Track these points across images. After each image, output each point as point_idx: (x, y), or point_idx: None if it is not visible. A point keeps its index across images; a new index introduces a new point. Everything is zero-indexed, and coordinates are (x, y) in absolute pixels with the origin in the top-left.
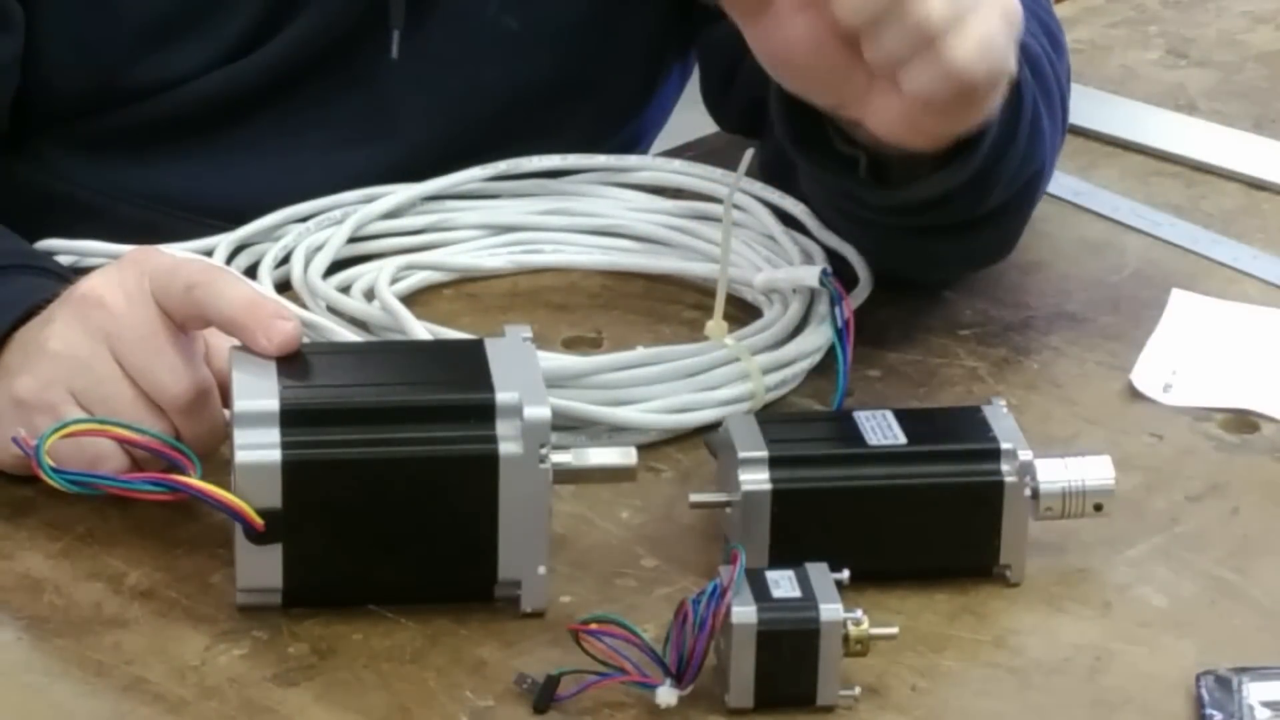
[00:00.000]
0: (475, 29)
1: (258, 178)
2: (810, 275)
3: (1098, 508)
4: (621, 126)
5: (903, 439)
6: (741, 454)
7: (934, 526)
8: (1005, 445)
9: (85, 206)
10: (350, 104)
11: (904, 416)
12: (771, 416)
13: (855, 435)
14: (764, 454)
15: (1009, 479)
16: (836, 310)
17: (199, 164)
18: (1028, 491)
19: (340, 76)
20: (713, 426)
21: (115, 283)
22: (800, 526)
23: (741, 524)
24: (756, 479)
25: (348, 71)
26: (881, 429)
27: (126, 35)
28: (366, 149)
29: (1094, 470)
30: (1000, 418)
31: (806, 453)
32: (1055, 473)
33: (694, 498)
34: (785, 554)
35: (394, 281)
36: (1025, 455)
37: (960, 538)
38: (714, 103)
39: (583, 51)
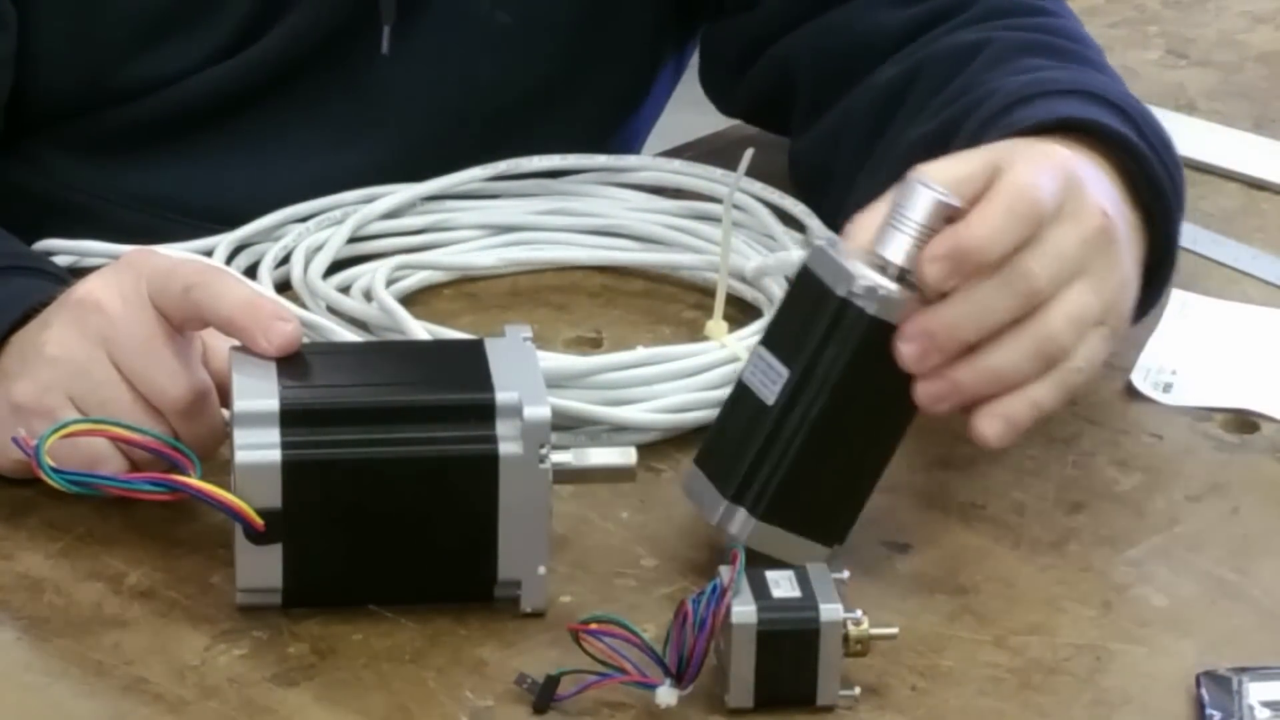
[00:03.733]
0: (468, 23)
1: (251, 176)
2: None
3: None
4: (617, 122)
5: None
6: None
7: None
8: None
9: (81, 208)
10: (343, 100)
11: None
12: None
13: None
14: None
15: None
16: None
17: (193, 164)
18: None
19: (332, 73)
20: None
21: (112, 286)
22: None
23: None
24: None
25: (340, 68)
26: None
27: (119, 34)
28: (360, 145)
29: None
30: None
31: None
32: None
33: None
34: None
35: (391, 282)
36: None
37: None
38: (720, 88)
39: (577, 46)
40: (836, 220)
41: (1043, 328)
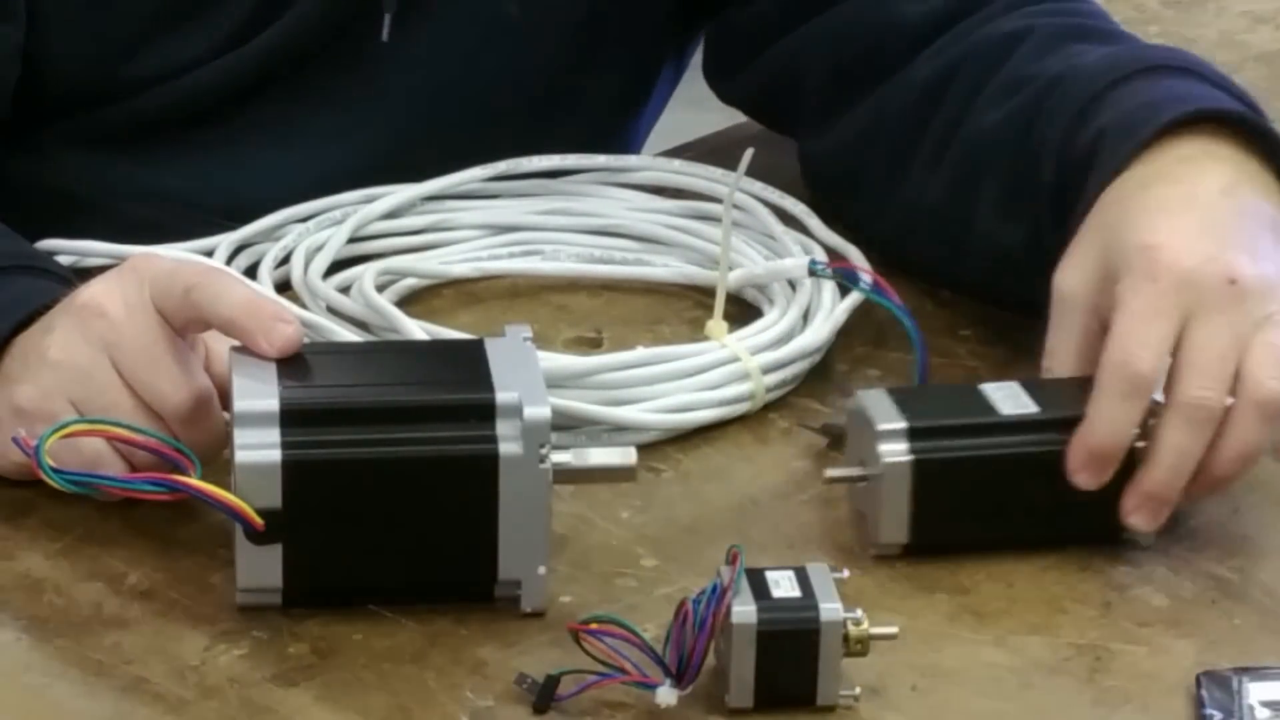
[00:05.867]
0: (473, 15)
1: (257, 167)
2: (795, 268)
3: None
4: (618, 122)
5: (1035, 407)
6: (880, 426)
7: (1072, 492)
8: None
9: (87, 202)
10: (348, 91)
11: (1031, 386)
12: (900, 391)
13: (987, 406)
14: (903, 425)
15: (1139, 444)
16: (870, 290)
17: (198, 157)
18: None
19: (337, 63)
20: (713, 426)
21: (116, 291)
22: (940, 497)
23: (880, 497)
24: (897, 450)
25: (345, 58)
26: (1012, 399)
27: (126, 26)
28: (365, 135)
29: None
30: None
31: (944, 423)
32: None
33: (830, 473)
34: (924, 525)
35: (381, 287)
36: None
37: (1097, 503)
38: (723, 75)
39: (581, 43)
40: (867, 224)
41: (1257, 394)
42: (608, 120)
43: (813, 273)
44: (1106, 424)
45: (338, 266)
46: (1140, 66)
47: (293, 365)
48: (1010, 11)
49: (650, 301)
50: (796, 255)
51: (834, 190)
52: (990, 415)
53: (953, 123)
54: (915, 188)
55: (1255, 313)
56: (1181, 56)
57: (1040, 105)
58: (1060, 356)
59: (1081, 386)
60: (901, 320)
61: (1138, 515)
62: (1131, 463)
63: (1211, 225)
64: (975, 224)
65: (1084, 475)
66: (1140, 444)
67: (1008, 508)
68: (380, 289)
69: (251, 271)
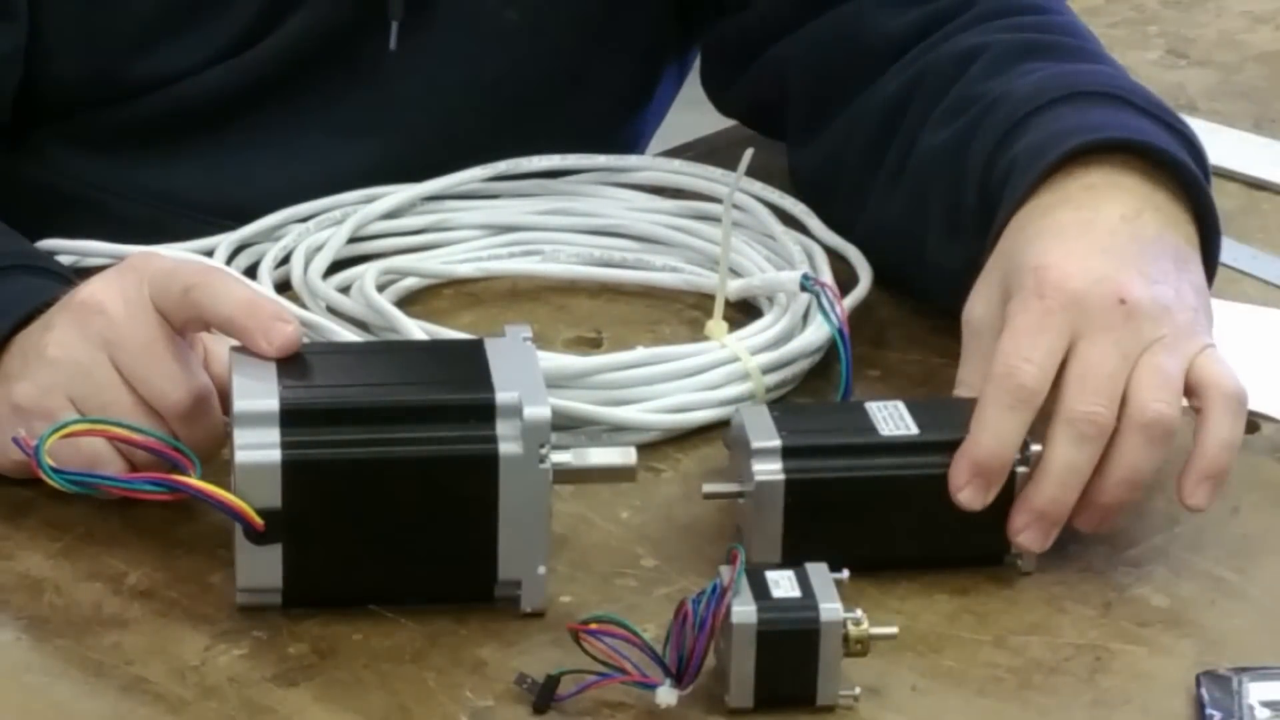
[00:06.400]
0: (476, 21)
1: (260, 173)
2: (789, 281)
3: None
4: (621, 122)
5: (914, 429)
6: (755, 444)
7: (946, 515)
8: None
9: (89, 204)
10: (351, 97)
11: (915, 407)
12: (783, 407)
13: (867, 425)
14: (777, 444)
15: (1019, 469)
16: (831, 313)
17: (201, 160)
18: None
19: (341, 69)
20: (713, 426)
21: (115, 289)
22: (813, 516)
23: (754, 514)
24: (770, 469)
25: (348, 64)
26: (893, 419)
27: (128, 29)
28: (367, 142)
29: None
30: None
31: (819, 443)
32: None
33: (707, 488)
34: (797, 544)
35: (382, 287)
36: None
37: (973, 526)
38: (718, 87)
39: (583, 44)
40: (845, 231)
41: (1142, 417)
42: (610, 122)
43: (803, 288)
44: (990, 436)
45: (338, 266)
46: (1066, 92)
47: (292, 365)
48: (978, 24)
49: (650, 302)
50: (796, 256)
51: (811, 199)
52: (867, 435)
53: (909, 142)
54: (877, 205)
55: (1145, 334)
56: (1116, 82)
57: (974, 129)
58: (971, 386)
59: (965, 409)
60: (839, 347)
61: (1026, 534)
62: (1012, 490)
63: (1105, 248)
64: (926, 244)
65: (967, 492)
66: (1021, 469)
67: (882, 529)
68: (380, 289)
69: (251, 271)
